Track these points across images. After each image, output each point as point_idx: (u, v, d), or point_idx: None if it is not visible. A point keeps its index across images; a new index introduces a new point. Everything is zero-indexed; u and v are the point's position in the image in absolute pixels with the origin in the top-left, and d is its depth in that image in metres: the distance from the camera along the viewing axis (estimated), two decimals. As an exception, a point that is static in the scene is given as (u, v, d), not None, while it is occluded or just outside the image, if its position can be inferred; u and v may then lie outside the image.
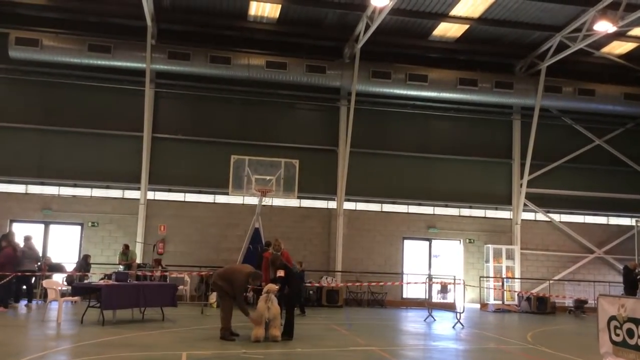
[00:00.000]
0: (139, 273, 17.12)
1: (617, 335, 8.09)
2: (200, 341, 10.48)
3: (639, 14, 16.48)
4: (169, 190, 20.37)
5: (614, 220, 23.08)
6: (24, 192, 19.52)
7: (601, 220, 23.05)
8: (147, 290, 13.03)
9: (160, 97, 20.59)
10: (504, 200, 22.50)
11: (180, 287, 17.71)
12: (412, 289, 20.63)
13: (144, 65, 19.46)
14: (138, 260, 18.71)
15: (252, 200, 19.37)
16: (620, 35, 19.69)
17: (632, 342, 7.83)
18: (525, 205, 22.26)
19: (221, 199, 20.41)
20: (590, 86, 21.87)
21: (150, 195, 20.09)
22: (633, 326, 7.83)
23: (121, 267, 17.56)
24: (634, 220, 22.64)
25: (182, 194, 20.48)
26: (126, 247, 18.49)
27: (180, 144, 20.54)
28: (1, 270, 14.47)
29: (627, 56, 21.36)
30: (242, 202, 20.32)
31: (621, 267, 19.90)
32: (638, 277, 17.58)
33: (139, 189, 19.83)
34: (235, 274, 10.79)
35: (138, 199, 19.79)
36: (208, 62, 19.87)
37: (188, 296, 18.53)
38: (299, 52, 20.77)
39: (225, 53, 20.05)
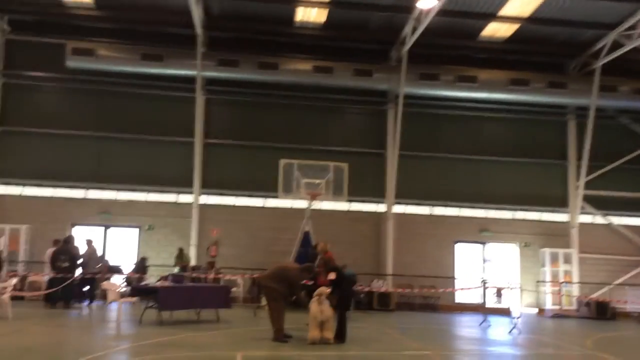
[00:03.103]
0: (194, 275, 17.44)
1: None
2: (254, 342, 10.58)
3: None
4: (221, 194, 20.72)
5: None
6: (83, 196, 20.20)
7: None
8: (202, 291, 13.26)
9: (211, 103, 20.99)
10: (560, 202, 21.85)
11: (234, 289, 17.94)
12: (466, 294, 20.27)
13: (195, 73, 19.90)
14: (192, 263, 19.14)
15: (301, 204, 19.45)
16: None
17: None
18: (582, 207, 21.57)
19: (271, 202, 20.60)
20: (649, 84, 21.04)
21: (203, 199, 20.48)
22: None
23: (176, 270, 17.95)
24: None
25: (234, 198, 20.80)
26: (181, 250, 19.08)
27: (231, 149, 20.87)
28: (70, 271, 15.11)
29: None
30: (291, 206, 20.42)
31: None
32: None
33: (192, 193, 20.24)
34: (288, 271, 10.82)
35: (191, 203, 20.20)
36: (256, 68, 20.11)
37: (241, 298, 18.74)
38: (345, 56, 20.80)
39: (273, 59, 20.26)
